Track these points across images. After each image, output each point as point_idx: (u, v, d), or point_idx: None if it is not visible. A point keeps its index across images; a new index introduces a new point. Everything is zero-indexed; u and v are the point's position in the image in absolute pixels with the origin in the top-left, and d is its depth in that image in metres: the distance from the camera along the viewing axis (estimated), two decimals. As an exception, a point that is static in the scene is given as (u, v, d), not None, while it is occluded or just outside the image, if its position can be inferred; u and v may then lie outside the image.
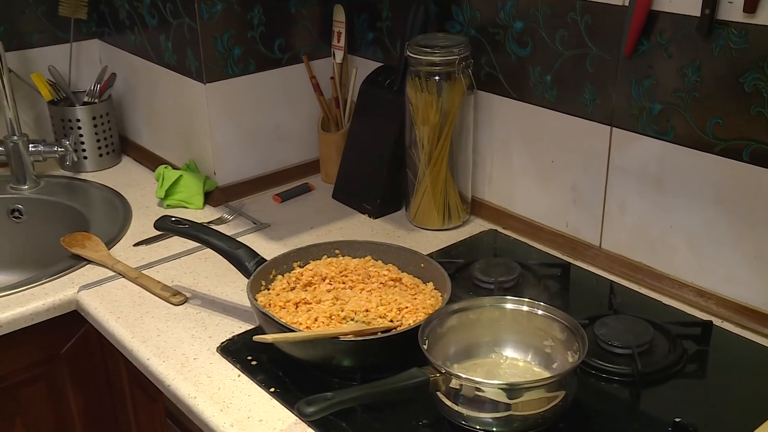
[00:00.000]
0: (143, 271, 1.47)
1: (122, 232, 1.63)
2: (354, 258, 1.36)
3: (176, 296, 1.38)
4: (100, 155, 1.94)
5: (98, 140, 1.93)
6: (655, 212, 1.37)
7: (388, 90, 1.68)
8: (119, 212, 1.72)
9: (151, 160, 1.94)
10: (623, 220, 1.42)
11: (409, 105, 1.56)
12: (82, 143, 1.91)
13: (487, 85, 1.57)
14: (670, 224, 1.35)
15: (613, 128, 1.38)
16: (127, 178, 1.90)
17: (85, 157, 1.93)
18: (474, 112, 1.59)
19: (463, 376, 1.02)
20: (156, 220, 1.38)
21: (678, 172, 1.32)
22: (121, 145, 2.01)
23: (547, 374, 1.12)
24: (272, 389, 1.15)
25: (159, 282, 1.43)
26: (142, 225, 1.66)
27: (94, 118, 1.91)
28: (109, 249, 1.55)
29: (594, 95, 1.39)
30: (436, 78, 1.52)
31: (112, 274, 1.48)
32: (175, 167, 1.80)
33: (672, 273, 1.37)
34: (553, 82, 1.45)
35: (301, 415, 0.98)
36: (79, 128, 1.90)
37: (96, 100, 1.92)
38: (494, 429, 1.02)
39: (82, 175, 1.92)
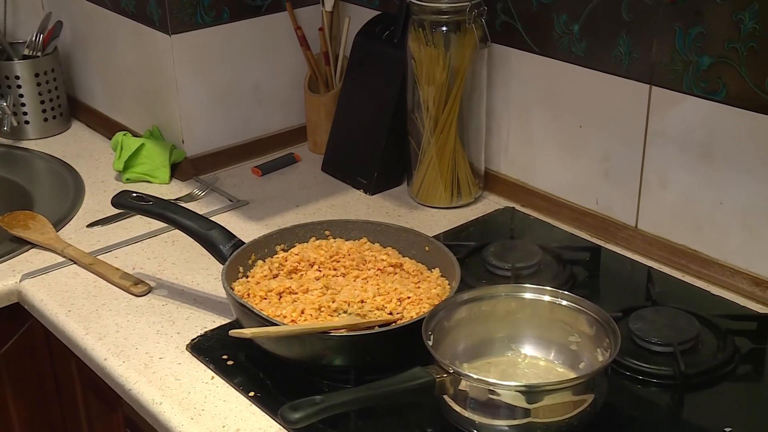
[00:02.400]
0: (98, 257, 1.49)
1: (73, 211, 1.65)
2: (347, 240, 1.37)
3: (138, 286, 1.40)
4: (45, 120, 1.95)
5: (42, 102, 1.94)
6: (702, 186, 1.38)
7: (387, 43, 1.68)
8: (69, 187, 1.73)
9: (106, 126, 1.95)
10: (664, 196, 1.43)
11: (411, 61, 1.57)
12: (23, 105, 1.92)
13: (504, 37, 1.58)
14: (720, 200, 1.37)
15: (653, 87, 1.39)
16: (78, 147, 1.91)
17: (27, 122, 1.94)
18: (488, 69, 1.60)
19: (475, 376, 1.04)
20: (113, 197, 1.39)
21: (730, 138, 1.33)
22: (71, 108, 2.02)
23: (572, 375, 1.13)
24: (252, 393, 1.17)
25: (117, 269, 1.44)
26: (96, 202, 1.68)
27: (36, 75, 1.92)
28: (57, 230, 1.57)
29: (630, 48, 1.40)
30: (444, 29, 1.53)
31: (61, 260, 1.49)
32: (135, 134, 1.81)
33: (722, 258, 1.39)
34: (582, 32, 1.46)
35: (286, 423, 0.99)
36: (19, 87, 1.91)
37: (38, 54, 1.93)
38: (511, 438, 1.04)
39: (24, 143, 1.93)
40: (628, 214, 1.49)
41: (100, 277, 1.44)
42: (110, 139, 1.81)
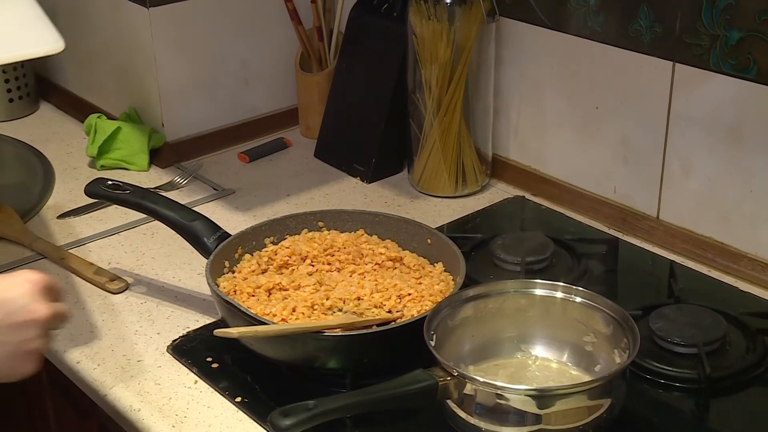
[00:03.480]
0: (70, 251, 1.49)
1: (42, 201, 1.65)
2: (342, 232, 1.38)
3: (114, 282, 1.41)
4: (11, 100, 1.96)
5: (7, 80, 1.94)
6: (730, 172, 1.39)
7: (386, 17, 1.69)
8: (38, 175, 1.73)
9: (78, 108, 1.95)
10: (688, 183, 1.44)
11: (412, 37, 1.58)
12: (-13, 85, 1.93)
13: (513, 10, 1.58)
14: (750, 188, 1.37)
15: (677, 64, 1.40)
16: (47, 131, 1.91)
17: (-8, 104, 1.95)
18: (496, 45, 1.60)
19: (481, 380, 1.05)
20: (87, 185, 1.39)
21: (761, 119, 1.33)
22: (39, 88, 2.03)
23: (587, 378, 1.14)
24: (238, 398, 1.17)
25: (92, 264, 1.45)
26: (68, 191, 1.68)
27: (2, 53, 1.92)
28: (24, 222, 1.57)
29: (652, 21, 1.41)
30: (447, 1, 1.53)
31: (29, 254, 1.49)
32: (110, 117, 1.82)
33: (752, 251, 1.39)
34: (599, 4, 1.46)
35: (276, 430, 1.00)
36: (-19, 65, 1.92)
37: (5, 30, 1.93)
38: (520, 446, 1.05)
39: (-11, 128, 1.94)
40: (649, 203, 1.50)
41: (73, 273, 1.44)
42: (83, 122, 1.81)
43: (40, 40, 1.13)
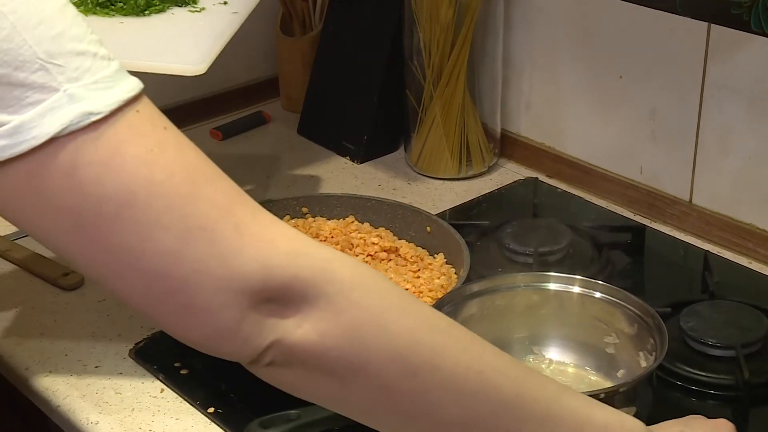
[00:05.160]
0: (16, 241, 1.49)
1: (-14, 185, 1.65)
2: (330, 219, 1.39)
3: (68, 276, 1.40)
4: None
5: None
6: (772, 151, 1.40)
7: (379, -28, 1.70)
8: (-19, 155, 1.74)
9: (26, 79, 1.95)
10: (725, 163, 1.44)
11: (409, -6, 1.58)
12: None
13: (526, -35, 1.59)
14: (795, 168, 1.38)
15: (712, 26, 1.40)
16: (-9, 106, 1.92)
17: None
18: (505, 4, 1.61)
19: (488, 386, 1.06)
20: (36, 166, 1.40)
21: (806, 90, 1.34)
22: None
23: (609, 384, 1.15)
24: (211, 409, 1.17)
25: (42, 256, 1.45)
26: (15, 174, 1.68)
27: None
28: (-34, 209, 1.57)
29: (683, -22, 1.42)
30: (450, -47, 1.54)
31: (-29, 245, 1.50)
32: (62, 89, 1.82)
33: (797, 240, 1.41)
34: (623, -42, 1.47)
35: (254, 444, 1.01)
36: None
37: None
38: (532, 462, 1.06)
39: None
40: (681, 185, 1.50)
41: (20, 267, 1.44)
42: (32, 94, 1.81)
43: (186, 57, 1.14)
